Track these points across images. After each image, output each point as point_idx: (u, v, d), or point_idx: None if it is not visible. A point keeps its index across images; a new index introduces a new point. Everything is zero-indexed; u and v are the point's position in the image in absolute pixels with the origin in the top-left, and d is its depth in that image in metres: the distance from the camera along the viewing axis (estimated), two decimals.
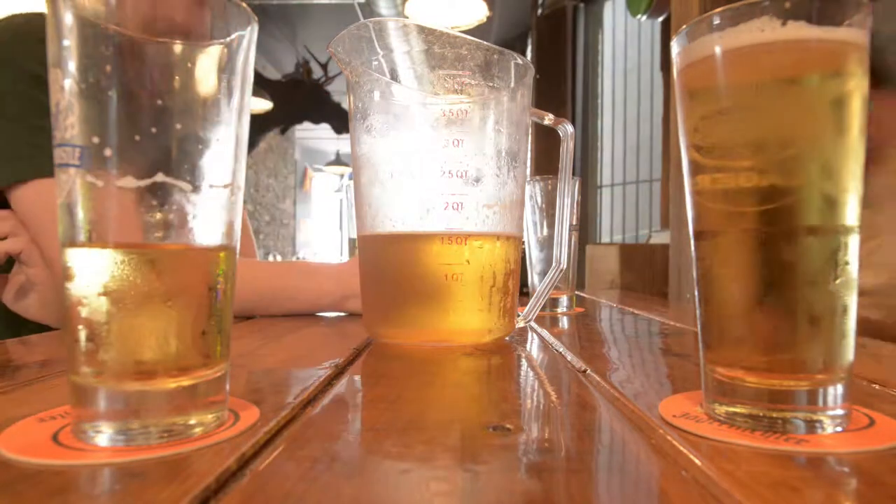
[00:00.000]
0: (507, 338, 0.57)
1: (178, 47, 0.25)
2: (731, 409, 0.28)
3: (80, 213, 0.25)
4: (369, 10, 4.19)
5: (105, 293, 0.25)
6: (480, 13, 2.56)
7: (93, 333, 0.25)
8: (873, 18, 0.28)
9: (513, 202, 0.54)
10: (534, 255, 0.83)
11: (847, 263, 0.27)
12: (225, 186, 0.27)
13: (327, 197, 8.91)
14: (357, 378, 0.40)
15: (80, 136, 0.24)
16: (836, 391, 0.27)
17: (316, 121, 4.99)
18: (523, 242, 0.67)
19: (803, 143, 0.28)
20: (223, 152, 0.27)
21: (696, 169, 0.30)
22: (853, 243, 0.28)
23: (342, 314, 0.80)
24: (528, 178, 0.79)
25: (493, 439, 0.27)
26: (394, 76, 0.54)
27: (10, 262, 0.77)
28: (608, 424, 0.30)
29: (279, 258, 6.71)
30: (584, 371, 0.42)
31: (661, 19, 2.73)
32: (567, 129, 0.60)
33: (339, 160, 7.12)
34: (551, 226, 0.80)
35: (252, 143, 4.68)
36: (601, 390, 0.37)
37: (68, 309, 0.25)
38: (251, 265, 0.82)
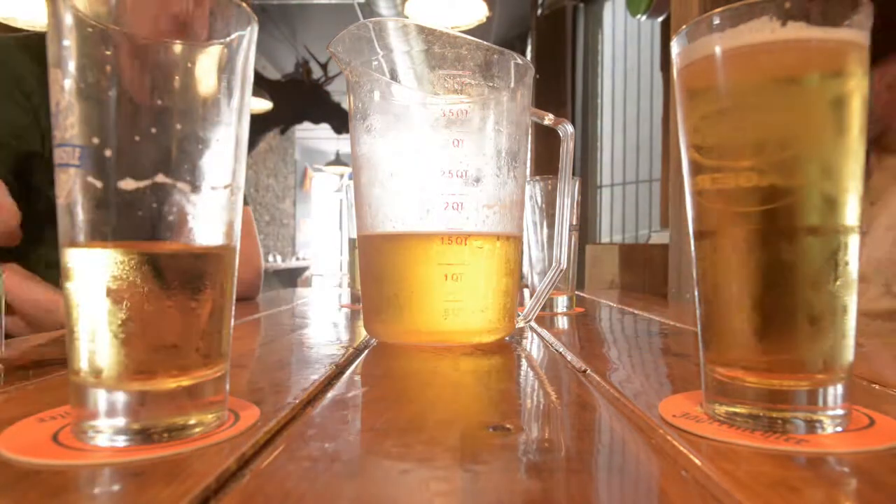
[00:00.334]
0: (507, 338, 0.57)
1: (178, 47, 0.25)
2: (731, 409, 0.28)
3: (80, 213, 0.25)
4: (369, 10, 4.19)
5: (105, 293, 0.25)
6: (480, 13, 2.56)
7: (93, 333, 0.25)
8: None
9: (513, 202, 0.54)
10: (534, 255, 0.83)
11: (847, 263, 0.27)
12: (225, 186, 0.27)
13: (327, 197, 8.91)
14: (357, 378, 0.40)
15: (80, 136, 0.24)
16: (836, 391, 0.27)
17: (316, 121, 4.99)
18: (523, 242, 0.67)
19: (803, 143, 0.28)
20: (223, 152, 0.27)
21: (696, 169, 0.30)
22: (853, 243, 0.28)
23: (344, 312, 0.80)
24: (528, 179, 0.79)
25: (493, 439, 0.27)
26: (394, 76, 0.54)
27: None
28: (608, 424, 0.30)
29: (279, 258, 6.71)
30: (584, 371, 0.42)
31: (660, 19, 2.73)
32: (567, 129, 0.60)
33: (339, 160, 7.12)
34: (551, 226, 0.80)
35: (252, 143, 4.68)
36: (601, 390, 0.37)
37: (68, 309, 0.25)
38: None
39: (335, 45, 0.52)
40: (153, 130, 0.25)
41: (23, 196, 0.82)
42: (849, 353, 0.28)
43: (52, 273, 0.84)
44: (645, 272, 1.87)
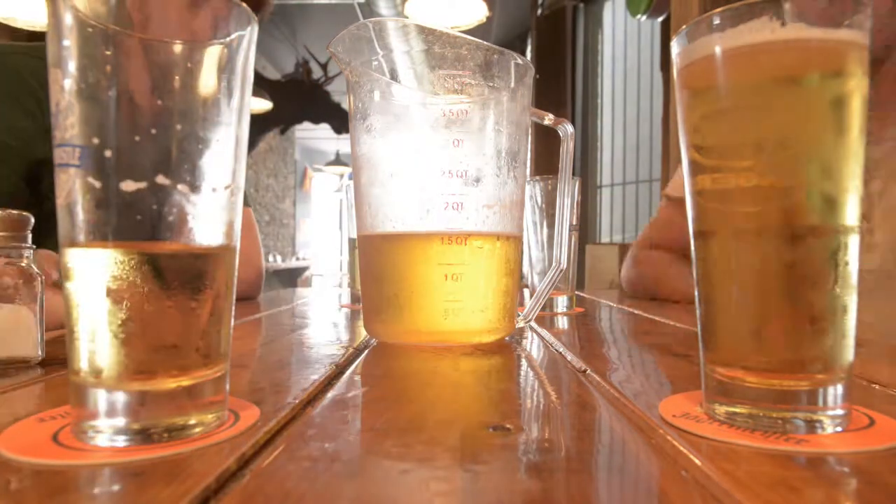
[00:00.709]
0: (507, 338, 0.57)
1: (178, 47, 0.25)
2: (731, 409, 0.28)
3: (81, 213, 0.25)
4: (369, 9, 4.19)
5: (105, 293, 0.25)
6: (480, 13, 2.56)
7: (93, 333, 0.25)
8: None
9: (513, 202, 0.54)
10: (534, 255, 0.83)
11: (847, 263, 0.27)
12: (225, 187, 0.27)
13: (327, 197, 8.91)
14: (357, 378, 0.40)
15: (80, 136, 0.24)
16: (836, 391, 0.27)
17: (316, 121, 4.99)
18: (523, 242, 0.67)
19: (803, 143, 0.28)
20: (223, 152, 0.27)
21: (696, 169, 0.30)
22: (853, 243, 0.28)
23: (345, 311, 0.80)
24: (528, 179, 0.79)
25: (493, 439, 0.27)
26: (394, 76, 0.54)
27: None
28: (608, 424, 0.30)
29: (279, 258, 6.71)
30: (584, 371, 0.42)
31: (660, 19, 2.73)
32: (567, 129, 0.60)
33: (338, 160, 7.12)
34: (551, 226, 0.80)
35: (252, 143, 4.69)
36: (601, 390, 0.37)
37: (68, 309, 0.25)
38: None
39: (335, 45, 0.52)
40: (153, 130, 0.25)
41: (32, 203, 0.82)
42: (849, 353, 0.28)
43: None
44: None
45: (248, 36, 0.28)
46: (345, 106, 0.57)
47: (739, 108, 0.28)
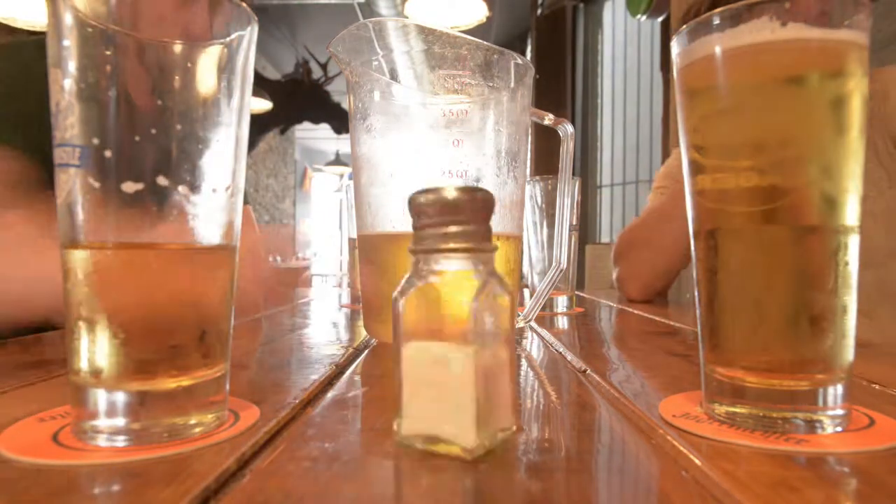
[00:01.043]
0: None
1: (178, 47, 0.25)
2: (731, 409, 0.28)
3: (81, 213, 0.25)
4: (369, 9, 4.19)
5: (105, 293, 0.25)
6: (480, 13, 2.56)
7: (93, 333, 0.25)
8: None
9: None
10: (534, 255, 0.83)
11: (847, 263, 0.27)
12: (225, 187, 0.27)
13: (327, 197, 8.90)
14: (357, 378, 0.40)
15: (80, 136, 0.24)
16: (836, 391, 0.27)
17: (316, 121, 4.99)
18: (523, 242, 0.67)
19: (803, 143, 0.28)
20: (223, 152, 0.27)
21: (696, 169, 0.30)
22: (853, 243, 0.28)
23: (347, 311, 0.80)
24: (528, 179, 0.79)
25: None
26: (394, 76, 0.54)
27: None
28: (608, 424, 0.30)
29: (279, 258, 6.69)
30: (584, 371, 0.42)
31: (660, 19, 2.73)
32: (567, 129, 0.60)
33: (338, 160, 7.12)
34: (551, 226, 0.80)
35: (252, 144, 4.68)
36: (601, 390, 0.37)
37: (68, 309, 0.25)
38: None
39: (335, 45, 0.52)
40: (153, 130, 0.25)
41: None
42: (849, 353, 0.28)
43: None
44: None
45: (248, 36, 0.28)
46: (345, 106, 0.57)
47: (739, 108, 0.28)
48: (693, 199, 0.31)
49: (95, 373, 0.25)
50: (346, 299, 1.07)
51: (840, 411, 0.27)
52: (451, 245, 0.25)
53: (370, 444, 0.27)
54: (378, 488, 0.22)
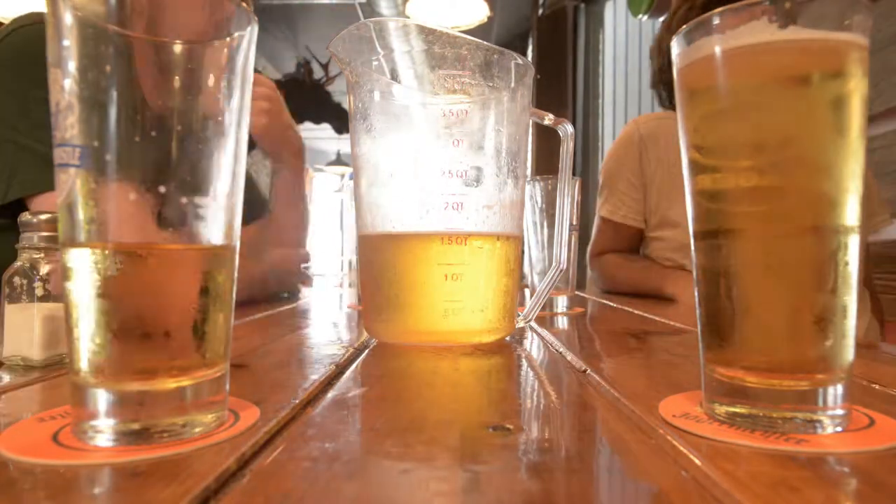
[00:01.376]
0: (507, 338, 0.57)
1: (178, 47, 0.25)
2: (731, 409, 0.28)
3: (81, 213, 0.25)
4: (370, 9, 4.19)
5: (105, 293, 0.25)
6: (481, 13, 2.56)
7: (93, 333, 0.25)
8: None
9: (513, 202, 0.54)
10: (534, 255, 0.83)
11: (847, 263, 0.27)
12: (225, 187, 0.27)
13: (328, 197, 8.90)
14: (357, 378, 0.40)
15: (79, 136, 0.24)
16: (836, 391, 0.27)
17: (317, 121, 4.99)
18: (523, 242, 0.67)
19: (803, 144, 0.28)
20: (223, 152, 0.27)
21: (696, 169, 0.30)
22: (853, 243, 0.28)
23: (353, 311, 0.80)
24: (529, 179, 0.79)
25: (493, 439, 0.27)
26: (394, 76, 0.54)
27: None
28: (608, 424, 0.30)
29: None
30: (584, 371, 0.42)
31: (661, 19, 2.73)
32: (567, 130, 0.60)
33: (339, 160, 7.12)
34: (551, 226, 0.80)
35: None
36: (601, 390, 0.37)
37: (68, 309, 0.25)
38: None
39: (335, 44, 0.52)
40: (153, 131, 0.25)
41: None
42: (849, 353, 0.28)
43: None
44: None
45: (249, 36, 0.28)
46: (345, 106, 0.57)
47: (739, 108, 0.28)
48: (693, 199, 0.31)
49: (95, 373, 0.25)
50: (348, 299, 1.07)
51: (840, 411, 0.27)
52: None
53: (370, 444, 0.27)
54: (378, 488, 0.22)
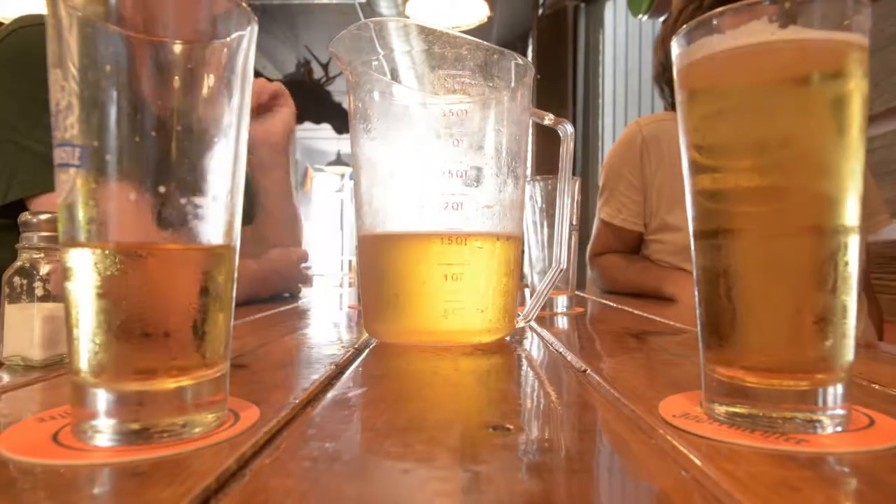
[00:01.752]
0: (507, 338, 0.57)
1: (178, 47, 0.25)
2: (731, 409, 0.28)
3: (81, 213, 0.25)
4: (370, 9, 4.19)
5: (105, 293, 0.25)
6: (481, 13, 2.56)
7: (93, 333, 0.25)
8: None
9: (513, 202, 0.54)
10: (534, 255, 0.83)
11: (847, 263, 0.27)
12: (225, 187, 0.27)
13: (328, 197, 8.90)
14: (357, 378, 0.40)
15: (80, 136, 0.24)
16: (836, 391, 0.27)
17: (317, 121, 4.98)
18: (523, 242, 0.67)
19: (803, 143, 0.27)
20: (223, 152, 0.27)
21: (696, 169, 0.30)
22: (853, 243, 0.28)
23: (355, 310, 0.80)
24: (529, 179, 0.79)
25: (493, 439, 0.27)
26: (394, 76, 0.54)
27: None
28: (608, 424, 0.30)
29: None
30: (584, 371, 0.42)
31: (661, 19, 2.73)
32: (567, 130, 0.60)
33: (339, 160, 7.12)
34: (551, 226, 0.80)
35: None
36: (601, 390, 0.37)
37: (68, 309, 0.25)
38: None
39: (336, 44, 0.52)
40: (153, 130, 0.25)
41: None
42: (849, 353, 0.28)
43: None
44: None
45: (249, 36, 0.28)
46: (346, 106, 0.57)
47: (739, 108, 0.28)
48: (693, 199, 0.31)
49: (95, 373, 0.25)
50: (349, 299, 1.07)
51: (840, 411, 0.27)
52: None
53: (370, 444, 0.27)
54: (378, 488, 0.22)
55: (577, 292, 0.98)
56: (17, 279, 0.42)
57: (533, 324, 0.68)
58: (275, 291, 1.03)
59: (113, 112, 0.24)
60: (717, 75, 0.29)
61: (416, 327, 0.53)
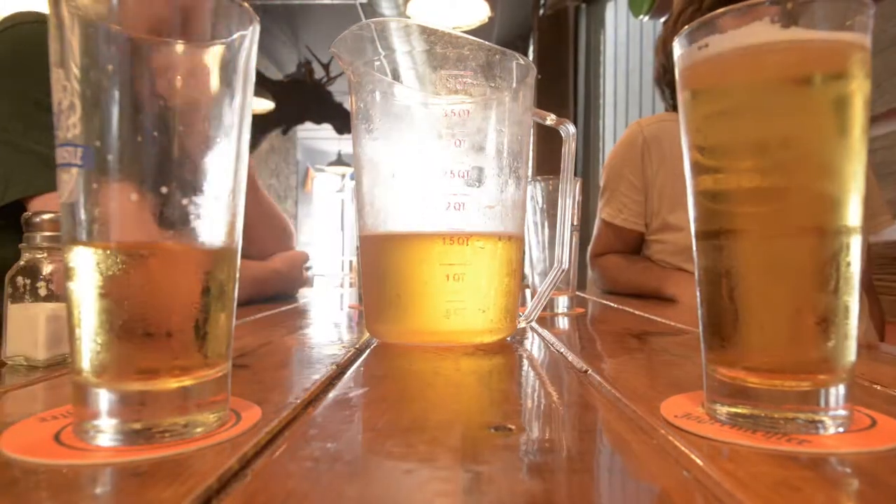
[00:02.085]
0: (508, 338, 0.57)
1: (179, 47, 0.25)
2: (733, 410, 0.28)
3: (82, 213, 0.25)
4: (371, 9, 4.19)
5: (107, 293, 0.25)
6: (482, 13, 2.56)
7: (95, 333, 0.25)
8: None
9: (514, 202, 0.54)
10: (535, 255, 0.83)
11: (849, 264, 0.27)
12: (226, 187, 0.27)
13: (329, 197, 8.91)
14: (358, 378, 0.40)
15: (81, 136, 0.24)
16: (837, 392, 0.27)
17: (318, 121, 4.99)
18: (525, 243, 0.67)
19: (805, 144, 0.27)
20: (225, 153, 0.27)
21: (697, 169, 0.30)
22: (855, 244, 0.28)
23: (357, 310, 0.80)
24: (530, 179, 0.79)
25: (494, 439, 0.27)
26: (396, 76, 0.54)
27: None
28: (609, 425, 0.30)
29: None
30: (586, 371, 0.42)
31: (662, 20, 2.73)
32: (568, 130, 0.60)
33: (340, 160, 7.13)
34: (553, 226, 0.80)
35: (254, 144, 4.68)
36: (602, 391, 0.37)
37: (70, 308, 0.25)
38: None
39: (338, 45, 0.52)
40: (155, 130, 0.25)
41: None
42: (851, 354, 0.28)
43: None
44: None
45: (250, 36, 0.28)
46: (347, 106, 0.57)
47: (741, 108, 0.28)
48: (695, 199, 0.31)
49: (97, 372, 0.25)
50: (350, 299, 1.07)
51: (842, 412, 0.27)
52: None
53: (372, 444, 0.27)
54: (380, 488, 0.22)
55: (577, 293, 0.98)
56: (20, 279, 0.42)
57: (534, 324, 0.68)
58: (276, 292, 1.03)
59: (115, 112, 0.24)
60: (719, 76, 0.29)
61: (417, 327, 0.53)
